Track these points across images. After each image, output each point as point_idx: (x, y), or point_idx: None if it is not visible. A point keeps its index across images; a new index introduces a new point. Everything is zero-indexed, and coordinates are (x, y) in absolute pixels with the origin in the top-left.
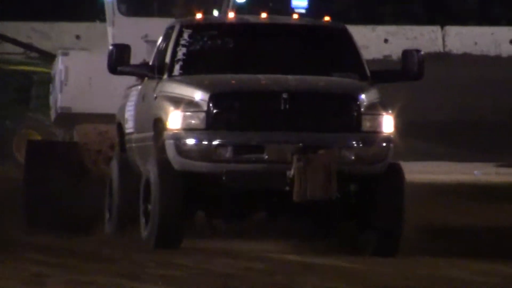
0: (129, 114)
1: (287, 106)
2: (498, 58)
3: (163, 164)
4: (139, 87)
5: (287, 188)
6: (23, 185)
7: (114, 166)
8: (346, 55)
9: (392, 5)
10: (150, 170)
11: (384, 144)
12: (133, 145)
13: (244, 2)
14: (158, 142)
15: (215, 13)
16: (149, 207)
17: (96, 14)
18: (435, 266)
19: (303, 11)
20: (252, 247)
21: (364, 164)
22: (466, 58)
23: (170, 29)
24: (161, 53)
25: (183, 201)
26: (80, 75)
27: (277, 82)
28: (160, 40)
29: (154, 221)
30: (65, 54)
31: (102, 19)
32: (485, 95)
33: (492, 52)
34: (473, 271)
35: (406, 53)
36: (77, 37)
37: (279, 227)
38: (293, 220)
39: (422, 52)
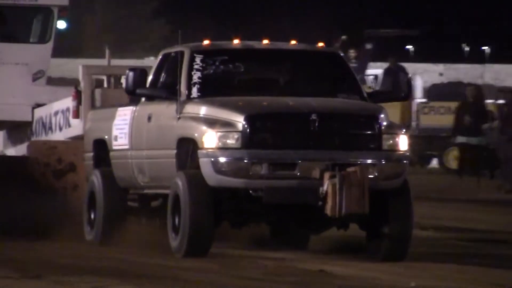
0: (121, 132)
1: (316, 126)
2: None
3: (194, 179)
4: (133, 108)
5: (320, 203)
6: None
7: (97, 180)
8: (345, 77)
9: None
10: (179, 185)
11: (402, 161)
12: (129, 161)
13: (66, 28)
14: (186, 159)
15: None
16: (176, 219)
17: None
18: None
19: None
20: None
21: (386, 180)
22: None
23: (175, 54)
24: (168, 76)
25: (213, 214)
26: None
27: (304, 104)
28: (156, 65)
29: (185, 232)
30: None
31: None
32: None
33: None
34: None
35: (397, 76)
36: None
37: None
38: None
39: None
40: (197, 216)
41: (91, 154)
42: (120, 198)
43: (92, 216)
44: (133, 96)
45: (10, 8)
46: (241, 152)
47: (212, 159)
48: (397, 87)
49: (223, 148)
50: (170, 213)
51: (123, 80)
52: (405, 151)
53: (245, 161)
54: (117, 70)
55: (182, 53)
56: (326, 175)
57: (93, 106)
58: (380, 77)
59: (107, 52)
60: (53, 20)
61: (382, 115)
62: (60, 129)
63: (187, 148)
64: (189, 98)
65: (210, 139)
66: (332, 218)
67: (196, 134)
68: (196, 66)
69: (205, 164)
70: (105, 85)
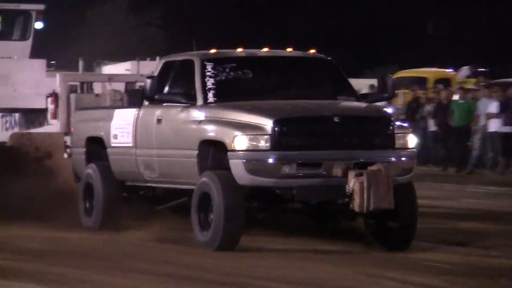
0: (121, 131)
1: (338, 128)
2: None
3: (226, 180)
4: (136, 110)
5: (346, 199)
6: None
7: (95, 173)
8: (339, 81)
9: None
10: (209, 185)
11: (412, 158)
12: (134, 157)
13: (42, 28)
14: (207, 159)
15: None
16: (202, 216)
17: None
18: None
19: None
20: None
21: (400, 176)
22: None
23: (181, 62)
24: (175, 83)
25: (244, 211)
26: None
27: (326, 108)
28: (158, 72)
29: (218, 229)
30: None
31: None
32: None
33: None
34: None
35: (383, 79)
36: None
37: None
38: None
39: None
40: (231, 214)
41: (83, 149)
42: (116, 189)
43: (88, 205)
44: (151, 101)
45: None
46: (271, 153)
47: (244, 160)
48: (383, 89)
49: (254, 150)
50: (196, 210)
51: (94, 87)
52: (413, 148)
53: (275, 162)
54: (89, 78)
55: (190, 61)
56: (351, 174)
57: (68, 108)
58: None
59: (80, 62)
60: (32, 22)
61: (393, 116)
62: (40, 124)
63: (208, 149)
64: (205, 103)
65: (241, 141)
66: (358, 213)
67: (225, 137)
68: (208, 73)
69: (236, 165)
70: (79, 90)
